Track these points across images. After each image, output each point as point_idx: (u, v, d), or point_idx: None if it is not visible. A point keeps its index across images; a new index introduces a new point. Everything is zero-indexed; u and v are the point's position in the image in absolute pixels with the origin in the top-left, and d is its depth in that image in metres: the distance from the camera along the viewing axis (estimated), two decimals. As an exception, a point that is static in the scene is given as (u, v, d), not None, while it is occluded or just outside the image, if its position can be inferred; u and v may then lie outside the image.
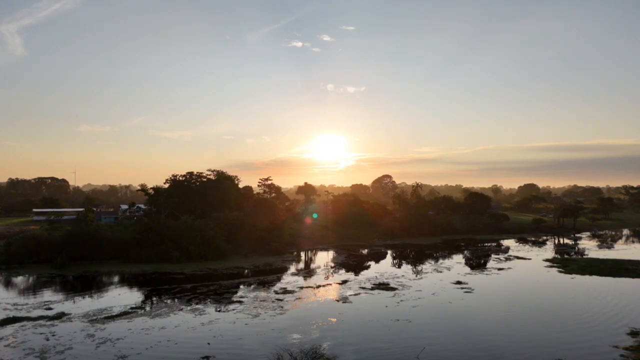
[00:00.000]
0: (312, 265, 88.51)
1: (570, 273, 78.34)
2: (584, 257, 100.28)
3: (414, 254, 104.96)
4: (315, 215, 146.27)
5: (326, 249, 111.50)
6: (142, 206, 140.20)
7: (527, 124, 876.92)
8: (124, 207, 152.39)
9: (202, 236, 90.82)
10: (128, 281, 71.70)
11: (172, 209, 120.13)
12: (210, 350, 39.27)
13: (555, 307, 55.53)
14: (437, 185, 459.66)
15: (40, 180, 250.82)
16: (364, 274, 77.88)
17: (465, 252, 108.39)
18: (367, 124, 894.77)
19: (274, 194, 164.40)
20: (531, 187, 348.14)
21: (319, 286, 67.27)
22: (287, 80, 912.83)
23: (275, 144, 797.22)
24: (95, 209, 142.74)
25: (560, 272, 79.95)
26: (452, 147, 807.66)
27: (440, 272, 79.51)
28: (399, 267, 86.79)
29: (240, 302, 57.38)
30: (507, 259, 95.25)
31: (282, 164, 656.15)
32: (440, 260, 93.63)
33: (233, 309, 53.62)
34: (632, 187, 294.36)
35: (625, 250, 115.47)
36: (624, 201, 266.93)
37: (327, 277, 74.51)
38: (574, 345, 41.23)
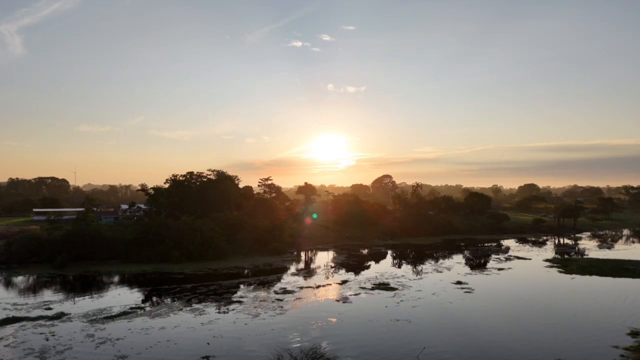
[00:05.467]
0: (312, 265, 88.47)
1: (571, 273, 78.30)
2: (584, 257, 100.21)
3: (414, 254, 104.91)
4: (315, 215, 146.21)
5: (326, 249, 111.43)
6: (142, 206, 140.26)
7: (527, 124, 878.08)
8: (124, 207, 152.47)
9: (202, 236, 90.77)
10: (128, 281, 71.64)
11: (172, 208, 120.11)
12: (210, 350, 39.23)
13: (555, 307, 55.49)
14: (437, 185, 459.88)
15: (41, 180, 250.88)
16: (364, 274, 77.84)
17: (466, 252, 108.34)
18: (368, 124, 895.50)
19: (274, 194, 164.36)
20: (531, 187, 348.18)
21: (319, 286, 67.23)
22: (287, 80, 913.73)
23: (275, 144, 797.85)
24: (95, 209, 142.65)
25: (561, 272, 79.90)
26: (452, 147, 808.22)
27: (441, 272, 79.47)
28: (399, 267, 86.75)
29: (240, 302, 57.34)
30: (507, 259, 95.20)
31: (282, 164, 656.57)
32: (441, 260, 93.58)
33: (233, 309, 53.58)
34: (632, 187, 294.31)
35: (626, 250, 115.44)
36: (624, 201, 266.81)
37: (327, 277, 74.47)
38: (574, 345, 41.20)
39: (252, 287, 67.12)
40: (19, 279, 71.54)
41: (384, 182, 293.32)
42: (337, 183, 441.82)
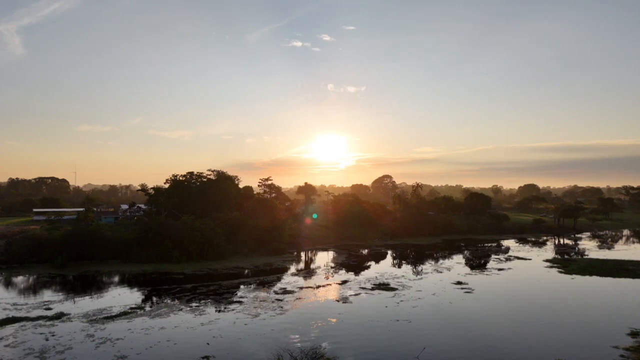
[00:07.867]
0: (312, 265, 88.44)
1: (571, 273, 78.29)
2: (584, 257, 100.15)
3: (414, 254, 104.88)
4: (315, 215, 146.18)
5: (326, 249, 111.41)
6: (143, 206, 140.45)
7: (527, 124, 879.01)
8: (124, 207, 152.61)
9: (202, 236, 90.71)
10: (128, 281, 71.64)
11: (172, 208, 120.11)
12: (209, 351, 39.22)
13: (555, 308, 55.48)
14: (437, 185, 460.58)
15: (41, 180, 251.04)
16: (364, 274, 77.82)
17: (466, 252, 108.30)
18: (368, 124, 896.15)
19: (274, 194, 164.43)
20: (531, 187, 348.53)
21: (319, 286, 67.21)
22: (287, 80, 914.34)
23: (275, 144, 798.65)
24: (95, 209, 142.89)
25: (561, 272, 79.89)
26: (452, 147, 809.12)
27: (441, 272, 79.45)
28: (399, 267, 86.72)
29: (240, 302, 57.33)
30: (507, 259, 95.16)
31: (282, 164, 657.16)
32: (441, 261, 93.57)
33: (233, 309, 53.57)
34: (632, 188, 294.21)
35: (626, 250, 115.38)
36: (624, 201, 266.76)
37: (327, 277, 74.45)
38: (574, 345, 41.19)
39: (252, 287, 67.11)
40: (19, 279, 71.53)
41: (384, 182, 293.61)
42: (337, 183, 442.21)
